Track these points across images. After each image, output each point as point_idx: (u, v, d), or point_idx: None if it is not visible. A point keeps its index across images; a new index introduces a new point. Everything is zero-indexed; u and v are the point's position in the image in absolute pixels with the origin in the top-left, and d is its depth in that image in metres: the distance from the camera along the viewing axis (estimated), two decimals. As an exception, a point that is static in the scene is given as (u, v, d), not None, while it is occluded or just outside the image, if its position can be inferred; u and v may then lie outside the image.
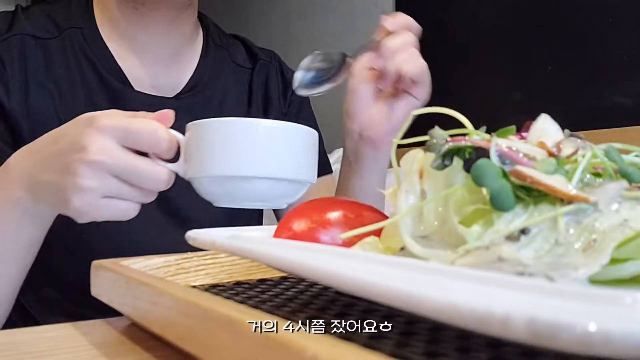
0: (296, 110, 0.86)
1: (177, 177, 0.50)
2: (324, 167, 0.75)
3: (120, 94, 0.72)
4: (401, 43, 0.62)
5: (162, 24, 0.74)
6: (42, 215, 0.53)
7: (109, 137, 0.46)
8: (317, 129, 0.87)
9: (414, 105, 0.65)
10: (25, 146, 0.53)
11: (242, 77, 0.84)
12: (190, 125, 0.48)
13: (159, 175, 0.47)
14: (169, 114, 0.49)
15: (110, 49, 0.73)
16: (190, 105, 0.76)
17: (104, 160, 0.45)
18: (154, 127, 0.47)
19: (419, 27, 0.65)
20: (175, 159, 0.49)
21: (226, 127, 0.45)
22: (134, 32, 0.74)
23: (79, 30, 0.73)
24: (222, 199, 0.48)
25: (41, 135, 0.64)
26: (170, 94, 0.76)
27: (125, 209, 0.48)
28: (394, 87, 0.65)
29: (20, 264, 0.56)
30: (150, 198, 0.49)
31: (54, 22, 0.72)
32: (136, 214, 0.49)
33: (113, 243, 0.69)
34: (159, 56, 0.76)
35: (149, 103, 0.73)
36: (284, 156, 0.45)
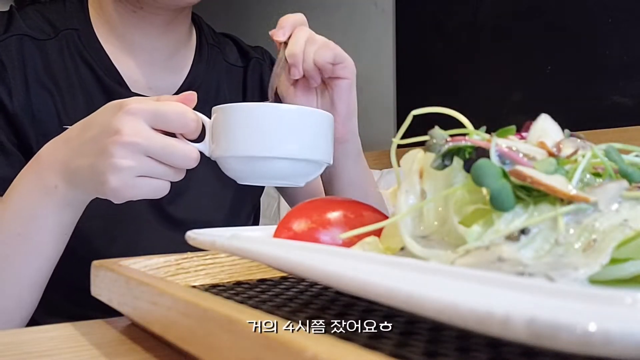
0: None
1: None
2: None
3: (117, 96, 0.73)
4: (298, 41, 0.61)
5: (159, 26, 0.75)
6: (78, 201, 0.55)
7: (141, 119, 0.48)
8: None
9: (347, 85, 0.64)
10: (56, 137, 0.55)
11: (236, 76, 0.85)
12: (216, 109, 0.51)
13: (190, 154, 0.50)
14: (193, 96, 0.52)
15: (106, 50, 0.74)
16: None
17: (138, 141, 0.48)
18: (182, 109, 0.50)
19: (304, 18, 0.64)
20: (199, 139, 0.52)
21: (251, 111, 0.49)
22: (130, 34, 0.74)
23: (75, 31, 0.73)
24: (246, 177, 0.51)
25: (44, 135, 0.64)
26: (166, 94, 0.76)
27: (157, 187, 0.51)
28: (322, 80, 0.64)
29: (53, 253, 0.57)
30: (180, 176, 0.52)
31: (49, 22, 0.73)
32: (167, 192, 0.52)
33: (110, 244, 0.69)
34: (155, 58, 0.76)
35: None
36: (303, 138, 0.49)
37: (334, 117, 0.57)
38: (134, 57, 0.75)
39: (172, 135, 0.50)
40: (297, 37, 0.61)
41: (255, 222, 0.90)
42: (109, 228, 0.63)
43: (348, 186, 0.72)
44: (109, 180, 0.48)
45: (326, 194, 0.76)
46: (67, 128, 0.68)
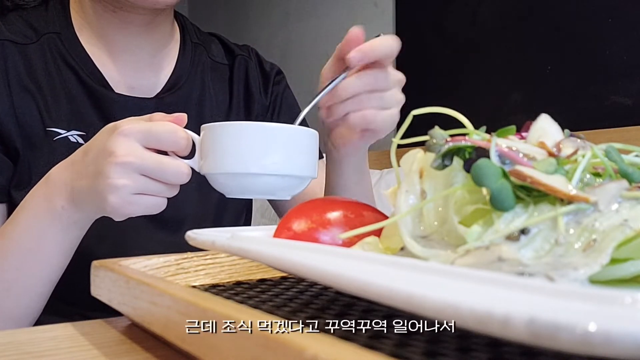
0: (279, 100, 0.87)
1: None
2: None
3: (101, 97, 0.73)
4: (352, 90, 0.57)
5: (139, 26, 0.75)
6: (83, 220, 0.58)
7: (133, 139, 0.51)
8: (299, 111, 0.87)
9: (375, 137, 0.63)
10: (66, 159, 0.57)
11: (221, 74, 0.85)
12: (205, 127, 0.54)
13: (181, 169, 0.52)
14: (183, 117, 0.54)
15: (88, 52, 0.74)
16: (170, 104, 0.77)
17: (132, 161, 0.50)
18: (173, 128, 0.52)
19: (393, 48, 0.58)
20: (189, 156, 0.54)
21: (236, 130, 0.52)
22: (112, 35, 0.74)
23: (57, 35, 0.73)
24: (234, 192, 0.54)
25: (29, 138, 0.65)
26: (150, 94, 0.77)
27: (154, 204, 0.53)
28: None
29: (61, 263, 0.60)
30: (174, 191, 0.54)
31: (31, 27, 0.73)
32: (164, 208, 0.54)
33: (98, 244, 0.70)
34: (137, 57, 0.77)
35: (130, 104, 0.74)
36: (288, 155, 0.52)
37: (345, 137, 0.60)
38: (116, 58, 0.75)
39: (164, 153, 0.53)
40: (358, 78, 0.57)
41: (248, 215, 0.89)
42: (97, 227, 0.64)
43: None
44: (108, 199, 0.51)
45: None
46: (50, 131, 0.70)
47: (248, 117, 0.84)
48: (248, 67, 0.86)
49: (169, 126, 0.52)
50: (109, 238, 0.71)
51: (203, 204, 0.78)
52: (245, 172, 0.51)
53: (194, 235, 0.35)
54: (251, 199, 0.89)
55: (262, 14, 2.56)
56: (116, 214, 0.53)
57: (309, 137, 0.54)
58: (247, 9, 2.66)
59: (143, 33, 0.76)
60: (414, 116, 0.35)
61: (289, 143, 0.52)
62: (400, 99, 0.61)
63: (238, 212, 0.84)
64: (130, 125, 0.51)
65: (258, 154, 0.51)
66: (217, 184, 0.54)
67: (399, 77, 0.61)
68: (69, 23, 0.74)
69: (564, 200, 0.26)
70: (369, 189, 0.75)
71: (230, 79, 0.85)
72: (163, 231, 0.75)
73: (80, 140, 0.70)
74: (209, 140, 0.53)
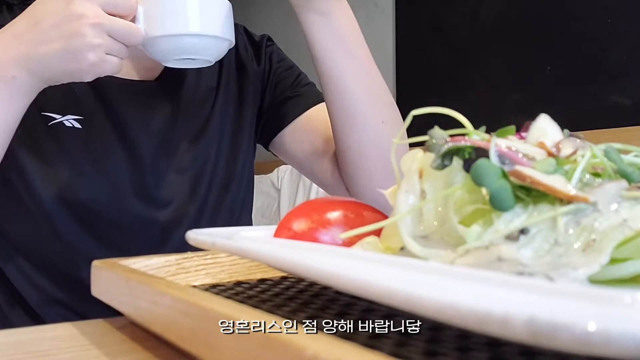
0: (270, 61, 0.86)
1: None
2: (317, 96, 0.82)
3: (99, 78, 0.73)
4: None
5: None
6: (34, 89, 0.60)
7: (96, 4, 0.55)
8: (296, 70, 0.86)
9: None
10: (0, 34, 0.59)
11: None
12: None
13: (138, 32, 0.58)
14: None
15: None
16: (168, 88, 0.76)
17: (103, 22, 0.55)
18: None
19: None
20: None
21: None
22: None
23: None
24: (167, 55, 0.63)
25: (23, 123, 0.64)
26: (151, 77, 0.76)
27: (118, 64, 0.58)
28: None
29: (1, 142, 0.61)
30: (126, 53, 0.59)
31: None
32: (121, 70, 0.59)
33: (92, 230, 0.70)
34: None
35: (129, 87, 0.73)
36: (205, 17, 0.61)
37: None
38: None
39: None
40: None
41: (248, 215, 0.88)
42: (92, 211, 0.64)
43: (336, 85, 0.68)
44: (88, 57, 0.55)
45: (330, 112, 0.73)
46: (46, 115, 0.69)
47: (240, 88, 0.83)
48: (237, 44, 0.84)
49: None
50: (104, 239, 0.71)
51: (199, 204, 0.77)
52: (170, 34, 0.59)
53: (194, 235, 0.35)
54: (250, 197, 0.87)
55: (263, 15, 2.56)
56: (91, 73, 0.56)
57: (222, 3, 0.63)
58: (247, 10, 2.66)
59: None
60: (414, 116, 0.35)
61: (204, 7, 0.61)
62: None
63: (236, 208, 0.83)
64: None
65: (184, 17, 0.60)
66: (154, 50, 0.62)
67: None
68: None
69: (564, 200, 0.26)
70: (367, 67, 0.70)
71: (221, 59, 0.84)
72: (159, 212, 0.74)
73: (77, 125, 0.70)
74: (148, 8, 0.60)
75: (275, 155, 0.90)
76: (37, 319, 0.70)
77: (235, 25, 0.88)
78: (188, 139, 0.76)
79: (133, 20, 0.60)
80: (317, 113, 0.81)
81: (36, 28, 0.56)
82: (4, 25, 0.69)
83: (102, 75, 0.58)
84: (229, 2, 0.65)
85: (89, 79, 0.58)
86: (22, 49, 0.57)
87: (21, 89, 0.58)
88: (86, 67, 0.56)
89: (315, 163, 0.81)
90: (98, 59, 0.55)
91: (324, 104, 0.81)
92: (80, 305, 0.70)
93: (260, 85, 0.84)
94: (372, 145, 0.71)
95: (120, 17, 0.57)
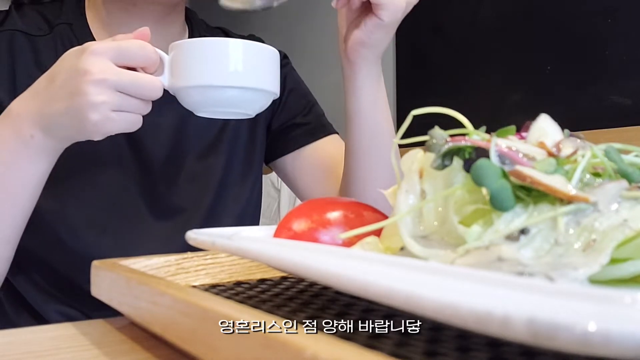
0: (284, 82, 0.86)
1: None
2: (325, 128, 0.83)
3: None
4: None
5: (151, 24, 0.75)
6: (54, 149, 0.58)
7: (105, 57, 0.52)
8: (310, 98, 0.86)
9: (378, 25, 0.64)
10: (21, 94, 0.57)
11: None
12: (174, 45, 0.56)
13: (156, 84, 0.54)
14: (146, 31, 0.55)
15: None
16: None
17: (108, 78, 0.51)
18: (142, 44, 0.54)
19: None
20: (156, 74, 0.56)
21: (204, 45, 0.55)
22: (123, 32, 0.74)
23: (69, 25, 0.73)
24: (202, 107, 0.57)
25: None
26: None
27: (132, 121, 0.54)
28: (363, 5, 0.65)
29: (28, 203, 0.59)
30: (148, 108, 0.55)
31: (45, 19, 0.73)
32: (140, 126, 0.55)
33: (100, 235, 0.69)
34: None
35: None
36: (250, 68, 0.55)
37: (353, 37, 0.63)
38: None
39: (134, 70, 0.54)
40: None
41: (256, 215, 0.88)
42: (99, 218, 0.64)
43: (360, 130, 0.70)
44: (89, 117, 0.51)
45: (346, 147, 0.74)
46: None
47: None
48: None
49: (138, 42, 0.53)
50: (111, 228, 0.71)
51: (201, 200, 0.77)
52: (211, 85, 0.54)
53: (195, 236, 0.35)
54: (259, 198, 0.87)
55: (263, 16, 2.55)
56: (97, 132, 0.53)
57: (270, 54, 0.57)
58: (247, 14, 2.66)
59: (154, 31, 0.76)
60: (414, 116, 0.35)
61: (252, 57, 0.55)
62: None
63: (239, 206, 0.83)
64: (100, 44, 0.52)
65: (223, 67, 0.54)
66: (186, 99, 0.57)
67: None
68: (83, 15, 0.74)
69: (564, 200, 0.26)
70: (386, 116, 0.73)
71: None
72: (169, 221, 0.74)
73: None
74: (179, 56, 0.55)
75: None
76: (42, 323, 0.70)
77: (252, 37, 0.89)
78: (199, 149, 0.76)
79: (160, 70, 0.55)
80: (324, 146, 0.82)
81: (51, 84, 0.54)
82: (9, 29, 0.70)
83: (113, 134, 0.54)
84: (275, 49, 0.59)
85: (97, 138, 0.54)
86: (37, 107, 0.55)
87: (40, 149, 0.56)
88: (90, 127, 0.52)
89: (313, 191, 0.83)
90: (102, 117, 0.52)
91: (332, 136, 0.83)
92: (85, 306, 0.70)
93: (272, 105, 0.85)
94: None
95: (140, 69, 0.54)
